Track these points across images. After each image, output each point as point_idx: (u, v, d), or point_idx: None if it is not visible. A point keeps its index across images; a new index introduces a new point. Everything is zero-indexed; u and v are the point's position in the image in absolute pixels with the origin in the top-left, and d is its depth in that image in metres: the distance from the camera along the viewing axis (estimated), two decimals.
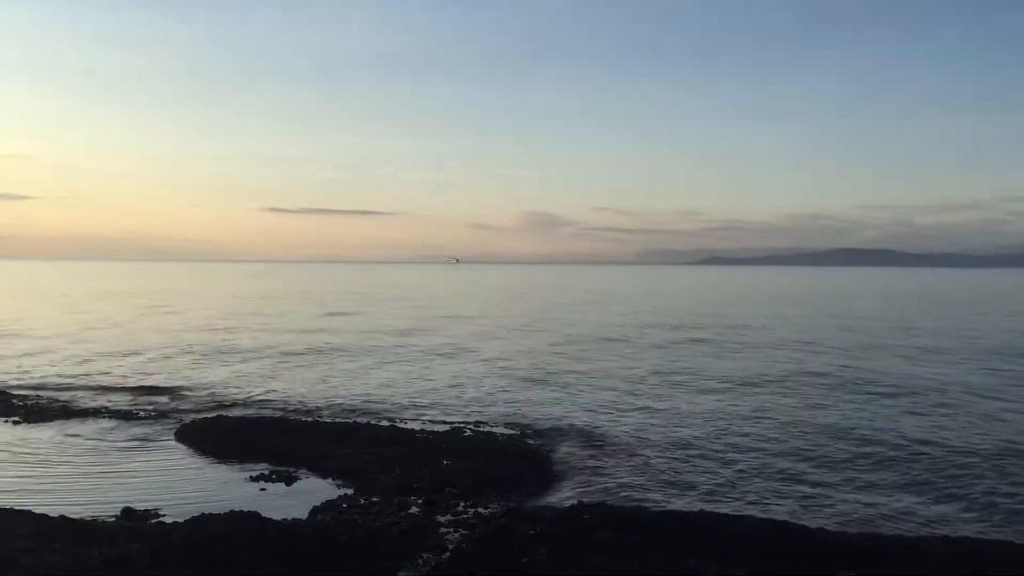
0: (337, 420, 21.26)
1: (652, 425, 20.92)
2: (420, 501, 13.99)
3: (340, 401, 24.34)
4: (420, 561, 11.27)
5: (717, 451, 18.11)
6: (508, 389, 26.78)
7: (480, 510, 13.62)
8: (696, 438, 19.36)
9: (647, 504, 14.15)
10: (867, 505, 14.30)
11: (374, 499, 14.10)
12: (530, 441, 19.10)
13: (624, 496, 14.72)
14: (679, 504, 14.29)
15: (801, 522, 13.15)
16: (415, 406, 23.62)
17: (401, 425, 20.79)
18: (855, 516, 13.74)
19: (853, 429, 20.36)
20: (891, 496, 14.88)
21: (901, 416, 22.10)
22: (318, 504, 13.79)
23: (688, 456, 17.66)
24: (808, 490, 15.22)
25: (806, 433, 19.93)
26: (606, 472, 16.43)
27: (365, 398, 24.89)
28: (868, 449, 18.31)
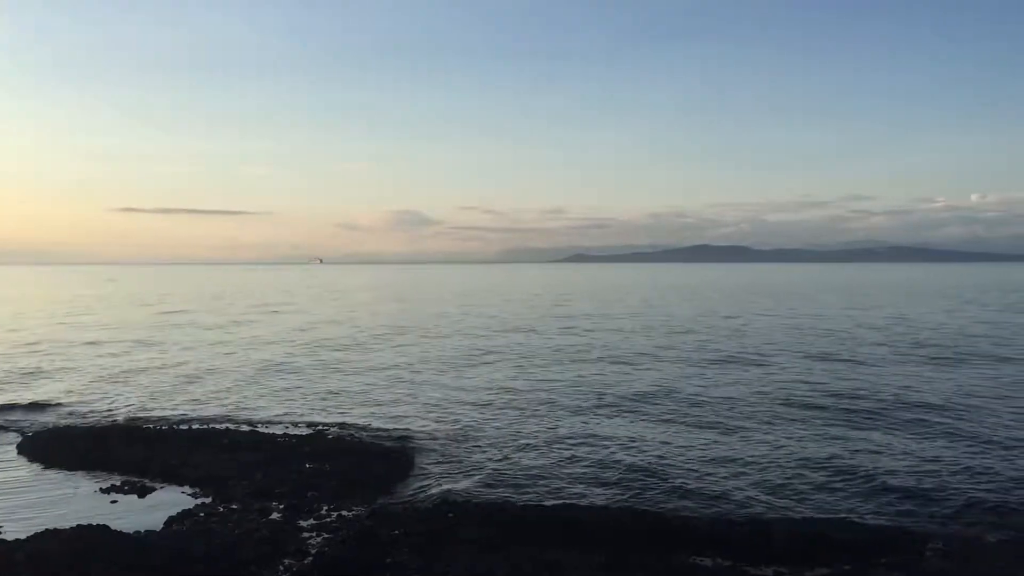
0: (195, 427, 20.60)
1: (514, 421, 21.22)
2: (282, 507, 13.76)
3: (198, 407, 23.59)
4: (281, 567, 11.09)
5: (578, 444, 18.53)
6: (371, 390, 26.57)
7: (344, 513, 13.51)
8: (557, 433, 19.76)
9: (511, 499, 14.37)
10: (719, 491, 14.95)
11: (233, 507, 13.77)
12: (395, 441, 19.02)
13: (488, 492, 14.89)
14: (542, 497, 14.57)
15: (657, 509, 13.70)
16: (277, 410, 23.14)
17: (262, 430, 20.32)
18: (709, 502, 14.34)
19: (707, 416, 21.29)
20: (741, 481, 15.62)
21: (746, 397, 23.23)
22: (174, 515, 13.34)
23: (550, 450, 18.01)
24: (665, 478, 15.75)
25: (665, 423, 20.67)
26: (470, 469, 16.57)
27: (224, 403, 24.20)
28: (721, 437, 19.15)
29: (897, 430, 19.74)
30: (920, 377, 28.33)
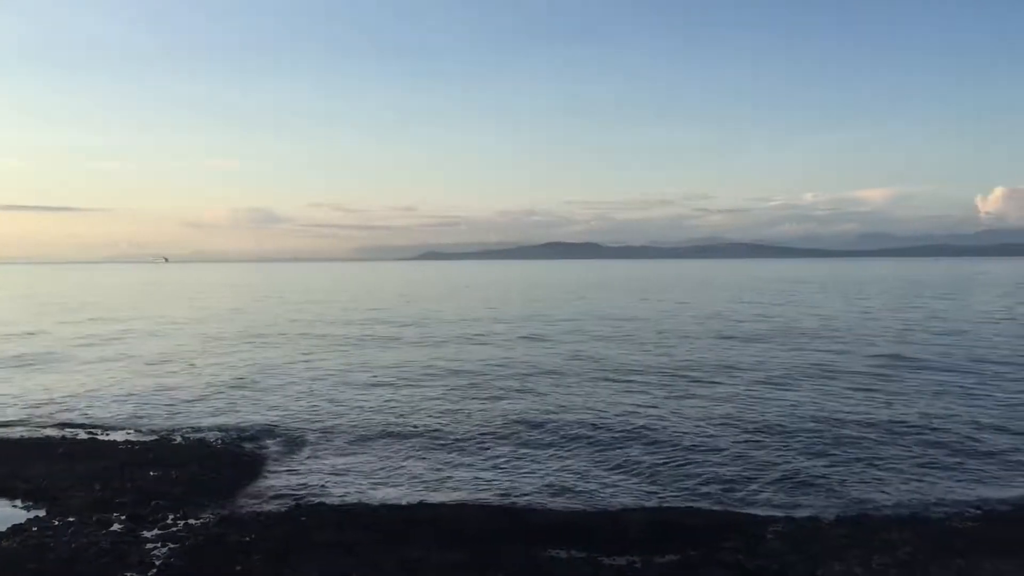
0: (25, 436, 19.31)
1: (370, 419, 20.95)
2: (123, 517, 13.05)
3: (30, 413, 22.13)
4: None
5: (436, 441, 18.47)
6: (220, 392, 25.64)
7: (191, 521, 12.95)
8: (414, 429, 19.64)
9: (366, 499, 14.18)
10: (576, 484, 15.22)
11: (70, 519, 12.95)
12: (245, 444, 18.44)
13: (343, 493, 14.63)
14: (401, 496, 14.45)
15: (515, 504, 13.83)
16: (119, 415, 21.98)
17: (102, 437, 19.26)
18: (568, 495, 14.56)
19: (550, 409, 21.65)
20: (598, 471, 15.96)
21: (599, 394, 23.79)
22: (2, 531, 12.45)
23: (406, 448, 17.88)
24: (523, 472, 15.93)
25: (509, 418, 20.88)
26: (325, 470, 16.23)
27: (59, 408, 22.79)
28: (572, 431, 19.49)
29: (742, 417, 20.63)
30: (749, 360, 29.78)
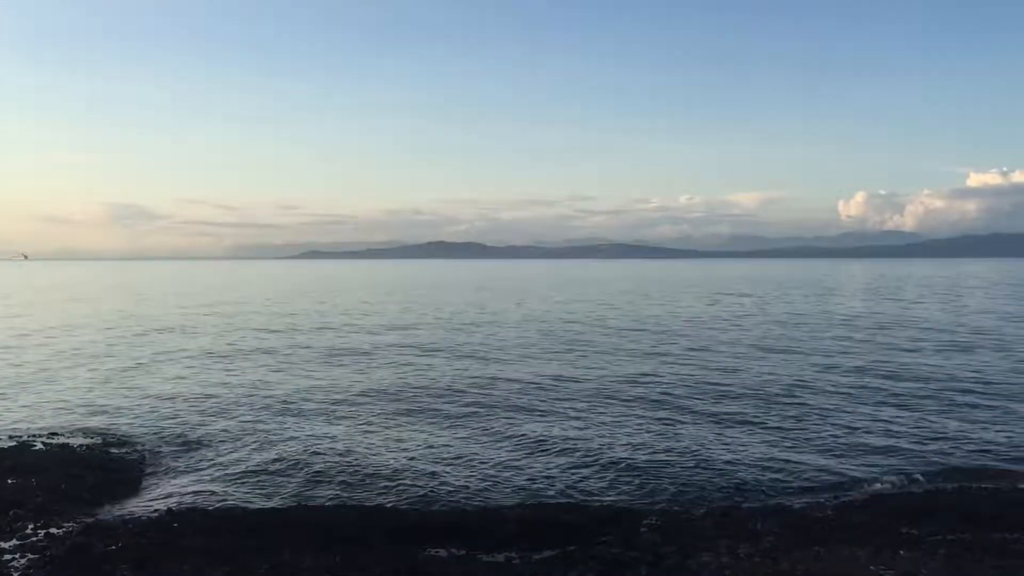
0: None
1: (245, 422, 20.45)
2: None
3: None
4: None
5: (311, 444, 18.18)
6: (85, 395, 24.54)
7: (53, 530, 12.36)
8: (290, 433, 19.30)
9: (241, 504, 13.87)
10: (455, 483, 15.28)
11: None
12: (112, 450, 17.72)
13: (217, 498, 14.26)
14: (276, 500, 14.18)
15: (393, 505, 13.78)
16: None
17: None
18: (446, 493, 14.60)
19: (433, 407, 21.67)
20: (475, 471, 16.05)
21: (460, 387, 23.93)
22: None
23: (283, 451, 17.52)
24: (401, 474, 15.84)
25: (396, 418, 20.79)
26: (198, 474, 15.79)
27: None
28: (448, 431, 19.57)
29: (618, 413, 21.12)
30: (617, 363, 30.54)
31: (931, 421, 20.29)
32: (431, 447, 17.95)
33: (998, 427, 19.56)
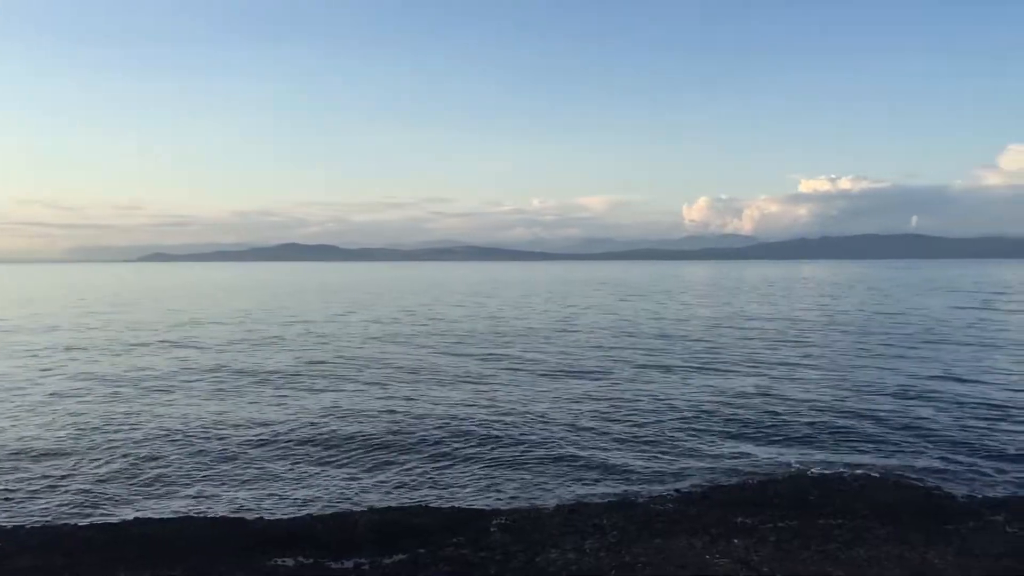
0: None
1: (76, 434, 19.41)
2: None
3: None
4: None
5: (144, 453, 17.50)
6: None
7: None
8: (120, 442, 18.49)
9: (72, 519, 13.19)
10: (302, 490, 15.05)
11: None
12: None
13: (46, 513, 13.53)
14: (108, 514, 13.57)
15: (237, 514, 13.43)
16: None
17: None
18: (291, 502, 14.36)
19: (256, 419, 21.27)
20: (322, 478, 15.84)
21: (308, 399, 23.65)
22: None
23: (118, 462, 16.78)
24: (242, 481, 15.49)
25: (223, 426, 20.26)
26: (27, 490, 14.89)
27: None
28: (290, 437, 19.23)
29: (464, 415, 21.30)
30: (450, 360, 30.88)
31: (766, 414, 21.43)
32: (275, 452, 17.58)
33: (829, 417, 20.86)
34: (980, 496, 14.32)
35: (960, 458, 16.90)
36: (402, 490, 15.06)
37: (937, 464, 16.49)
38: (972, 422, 20.22)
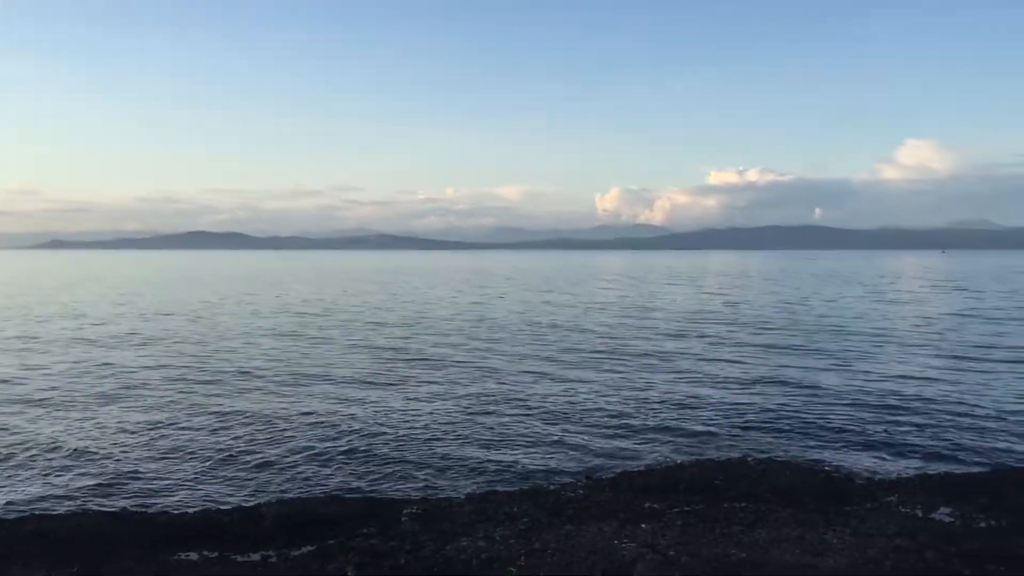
0: None
1: None
2: None
3: None
4: None
5: (42, 447, 16.88)
6: None
7: None
8: (15, 435, 17.81)
9: None
10: (207, 484, 14.73)
11: None
12: None
13: None
14: (5, 511, 13.04)
15: (137, 508, 13.08)
16: None
17: None
18: (196, 496, 14.02)
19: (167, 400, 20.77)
20: (228, 471, 15.52)
21: (174, 377, 23.18)
22: None
23: (10, 457, 16.16)
24: (139, 476, 15.09)
25: (126, 422, 19.71)
26: None
27: None
28: (186, 430, 18.83)
29: (377, 399, 21.16)
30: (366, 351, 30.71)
31: (672, 403, 21.86)
32: (180, 447, 17.16)
33: (733, 405, 21.39)
34: (876, 479, 14.87)
35: (858, 443, 17.53)
36: (311, 482, 14.86)
37: (837, 449, 17.07)
38: (868, 409, 20.98)
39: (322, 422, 19.34)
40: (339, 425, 19.05)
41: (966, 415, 20.05)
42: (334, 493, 14.06)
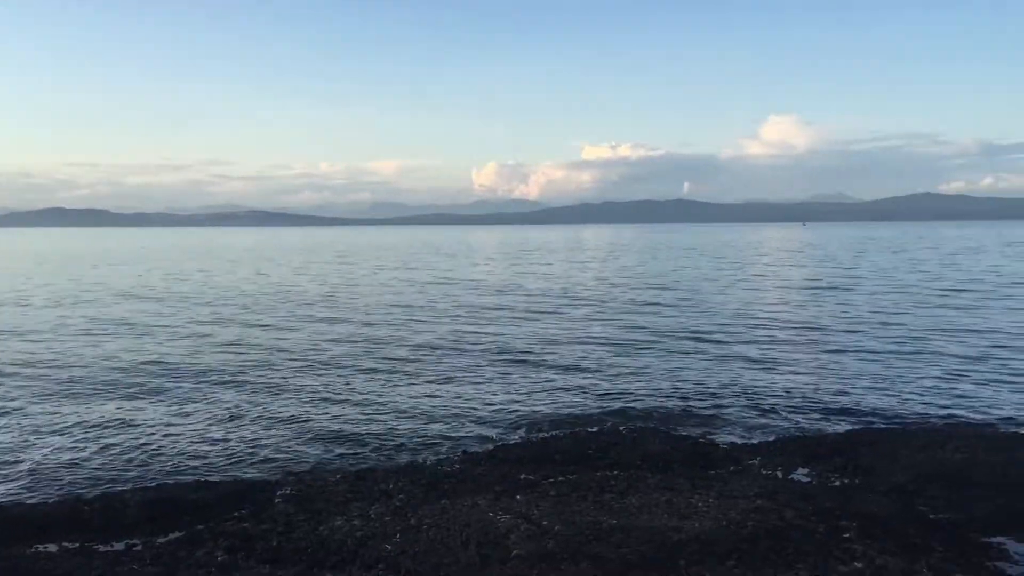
0: None
1: None
2: None
3: None
4: None
5: None
6: None
7: None
8: None
9: None
10: (66, 473, 14.09)
11: None
12: None
13: None
14: None
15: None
16: None
17: None
18: (56, 486, 13.39)
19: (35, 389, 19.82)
20: (92, 455, 14.90)
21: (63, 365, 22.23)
22: None
23: None
24: (5, 467, 14.34)
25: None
26: None
27: None
28: (48, 417, 18.00)
29: (228, 386, 20.69)
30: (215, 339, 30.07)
31: (547, 375, 22.18)
32: (30, 431, 16.37)
33: (603, 376, 21.88)
34: (740, 443, 15.50)
35: (724, 409, 18.19)
36: (180, 468, 14.39)
37: (705, 415, 17.67)
38: (732, 375, 21.85)
39: (188, 408, 18.74)
40: (209, 409, 18.52)
41: (824, 379, 21.14)
42: (204, 478, 13.66)
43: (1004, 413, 17.53)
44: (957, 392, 19.56)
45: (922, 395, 19.30)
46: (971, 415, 17.43)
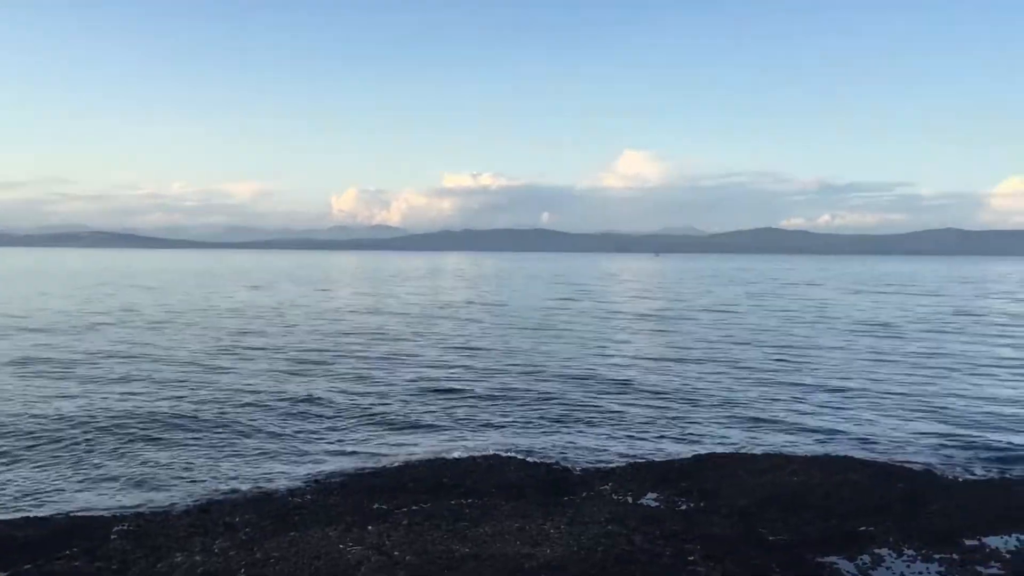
0: None
1: None
2: None
3: None
4: None
5: None
6: None
7: None
8: None
9: None
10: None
11: None
12: None
13: None
14: None
15: None
16: None
17: None
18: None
19: None
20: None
21: None
22: None
23: None
24: None
25: None
26: None
27: None
28: None
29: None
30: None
31: (386, 402, 21.97)
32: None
33: (461, 400, 21.84)
34: (593, 468, 15.75)
35: (580, 435, 18.49)
36: (2, 503, 13.42)
37: (558, 441, 17.90)
38: (587, 401, 22.24)
39: (8, 433, 17.55)
40: (33, 437, 17.36)
41: (676, 405, 21.82)
42: (31, 515, 12.76)
43: (838, 437, 18.54)
44: (796, 417, 20.56)
45: (766, 421, 20.18)
46: (807, 440, 18.35)
